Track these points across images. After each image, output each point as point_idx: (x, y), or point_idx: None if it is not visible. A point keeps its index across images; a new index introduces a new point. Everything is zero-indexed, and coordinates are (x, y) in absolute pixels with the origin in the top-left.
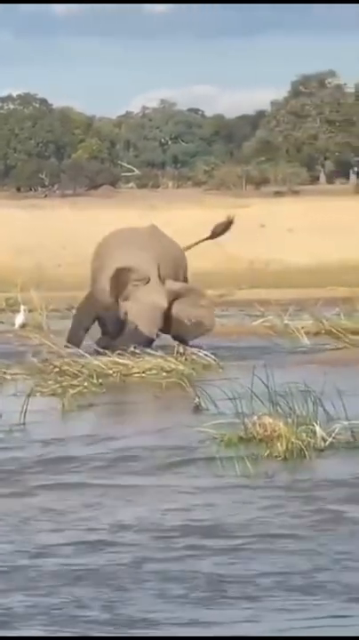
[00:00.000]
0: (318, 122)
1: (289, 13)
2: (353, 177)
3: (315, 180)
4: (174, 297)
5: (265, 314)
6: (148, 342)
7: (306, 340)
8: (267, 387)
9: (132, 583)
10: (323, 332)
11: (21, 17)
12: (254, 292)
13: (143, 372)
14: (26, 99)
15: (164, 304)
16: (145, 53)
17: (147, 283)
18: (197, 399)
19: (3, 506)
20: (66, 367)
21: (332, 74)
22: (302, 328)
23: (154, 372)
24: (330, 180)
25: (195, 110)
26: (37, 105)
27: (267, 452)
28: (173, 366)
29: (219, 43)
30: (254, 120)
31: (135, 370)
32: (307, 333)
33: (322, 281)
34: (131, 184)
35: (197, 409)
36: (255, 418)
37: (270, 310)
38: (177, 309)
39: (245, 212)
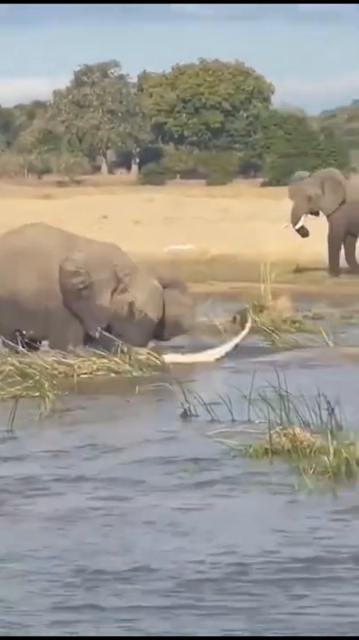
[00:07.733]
0: (100, 112)
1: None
2: (134, 167)
3: (96, 169)
4: (164, 286)
5: None
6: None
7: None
8: (279, 391)
9: None
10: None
11: None
12: None
13: (91, 373)
14: None
15: (161, 288)
16: None
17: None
18: (187, 404)
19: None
20: (15, 367)
21: (115, 64)
22: (220, 324)
23: (101, 373)
24: (111, 171)
25: None
26: None
27: (314, 466)
28: (121, 367)
29: None
30: (31, 109)
31: (83, 371)
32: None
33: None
34: None
35: (186, 415)
36: (279, 428)
37: None
38: None
39: (64, 203)
